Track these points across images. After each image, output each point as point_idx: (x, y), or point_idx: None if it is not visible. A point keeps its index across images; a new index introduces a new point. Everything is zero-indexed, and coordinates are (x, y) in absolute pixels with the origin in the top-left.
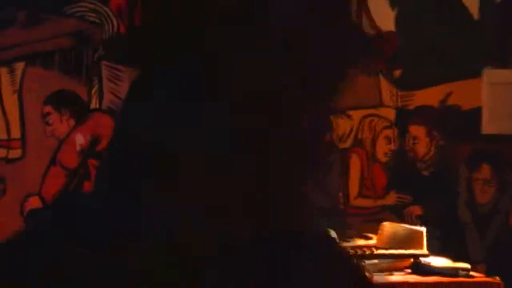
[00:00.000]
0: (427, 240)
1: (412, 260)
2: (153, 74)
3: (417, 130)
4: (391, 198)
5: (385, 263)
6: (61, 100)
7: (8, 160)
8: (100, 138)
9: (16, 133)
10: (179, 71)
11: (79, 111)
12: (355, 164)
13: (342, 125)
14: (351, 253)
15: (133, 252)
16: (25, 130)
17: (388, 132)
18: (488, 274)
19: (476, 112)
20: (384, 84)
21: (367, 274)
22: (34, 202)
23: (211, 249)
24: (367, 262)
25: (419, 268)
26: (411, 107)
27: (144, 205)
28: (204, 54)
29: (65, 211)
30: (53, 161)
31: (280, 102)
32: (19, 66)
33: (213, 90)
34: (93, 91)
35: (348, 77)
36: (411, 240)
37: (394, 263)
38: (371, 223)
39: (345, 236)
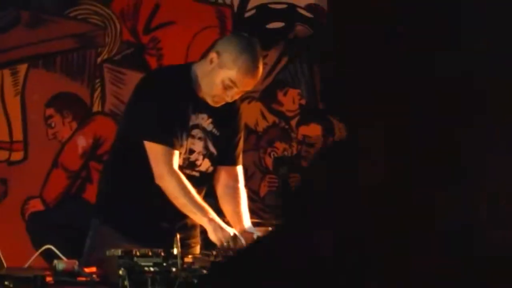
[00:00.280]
0: None
1: None
2: None
3: None
4: None
5: None
6: (63, 103)
7: (10, 162)
8: (102, 141)
9: (18, 135)
10: None
11: (82, 114)
12: None
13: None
14: None
15: None
16: (27, 133)
17: None
18: None
19: None
20: None
21: None
22: (35, 205)
23: None
24: None
25: None
26: None
27: None
28: None
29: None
30: (55, 164)
31: None
32: (22, 68)
33: None
34: (95, 94)
35: None
36: None
37: None
38: None
39: None
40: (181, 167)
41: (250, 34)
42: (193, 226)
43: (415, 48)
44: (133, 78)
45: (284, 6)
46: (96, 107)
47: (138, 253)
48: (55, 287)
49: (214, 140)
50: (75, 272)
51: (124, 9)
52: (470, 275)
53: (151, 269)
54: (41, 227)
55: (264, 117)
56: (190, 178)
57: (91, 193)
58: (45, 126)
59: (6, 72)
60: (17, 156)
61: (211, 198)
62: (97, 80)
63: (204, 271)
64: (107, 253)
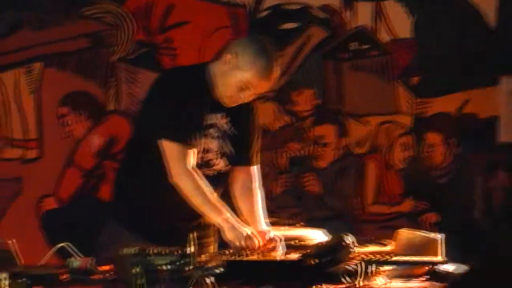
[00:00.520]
0: (445, 247)
1: (429, 266)
2: None
3: (434, 138)
4: (407, 205)
5: (401, 269)
6: (78, 101)
7: (24, 161)
8: (117, 140)
9: (33, 133)
10: None
11: (96, 113)
12: (371, 170)
13: (359, 131)
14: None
15: None
16: (42, 131)
17: (405, 139)
18: None
19: (493, 121)
20: (401, 91)
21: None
22: (49, 203)
23: None
24: (385, 268)
25: (436, 275)
26: (428, 115)
27: None
28: None
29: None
30: (69, 162)
31: None
32: (37, 66)
33: None
34: (110, 93)
35: None
36: (427, 247)
37: (410, 270)
38: (387, 230)
39: (361, 241)
40: (197, 166)
41: (264, 34)
42: (208, 225)
43: None
44: (147, 77)
45: (298, 6)
46: (110, 106)
47: (152, 252)
48: (70, 284)
49: (230, 139)
50: (89, 270)
51: (138, 8)
52: None
53: (166, 267)
54: (55, 225)
55: (278, 117)
56: (206, 177)
57: (105, 192)
58: (59, 125)
59: (21, 71)
60: (31, 154)
61: (227, 198)
62: (112, 79)
63: (218, 270)
64: (122, 251)
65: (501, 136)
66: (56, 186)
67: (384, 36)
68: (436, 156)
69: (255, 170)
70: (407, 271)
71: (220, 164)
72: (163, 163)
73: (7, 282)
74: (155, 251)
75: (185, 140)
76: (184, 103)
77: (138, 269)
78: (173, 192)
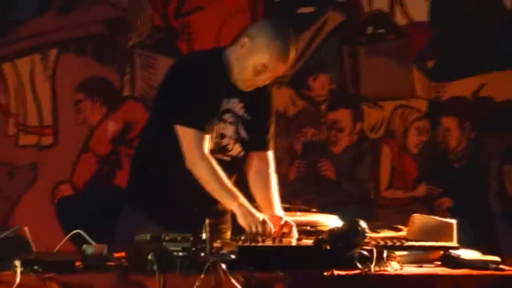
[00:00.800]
0: (458, 233)
1: (442, 252)
2: None
3: (449, 122)
4: (422, 190)
5: (415, 255)
6: (93, 87)
7: (40, 147)
8: (132, 126)
9: (48, 120)
10: None
11: (111, 99)
12: (386, 155)
13: (374, 116)
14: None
15: None
16: (57, 117)
17: (420, 123)
18: None
19: (509, 104)
20: (417, 75)
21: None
22: (65, 190)
23: None
24: (397, 253)
25: (449, 260)
26: (443, 99)
27: None
28: None
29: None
30: (84, 149)
31: None
32: (52, 52)
33: None
34: (125, 79)
35: None
36: (442, 232)
37: (424, 255)
38: (401, 215)
39: (375, 227)
40: (212, 152)
41: (280, 18)
42: (224, 211)
43: None
44: (163, 63)
45: None
46: (126, 92)
47: (167, 238)
48: (84, 271)
49: (245, 124)
50: (104, 256)
51: None
52: None
53: (180, 253)
54: (70, 212)
55: (293, 102)
56: (221, 162)
57: (120, 178)
58: (75, 111)
59: (37, 57)
60: (47, 140)
61: (242, 184)
62: (128, 65)
63: (233, 256)
64: (137, 237)
65: None
66: (71, 172)
67: (400, 20)
68: (452, 140)
69: (270, 155)
70: (420, 256)
71: (235, 150)
72: (179, 148)
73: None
74: (169, 237)
75: (202, 125)
76: (200, 88)
77: (152, 256)
78: (188, 178)
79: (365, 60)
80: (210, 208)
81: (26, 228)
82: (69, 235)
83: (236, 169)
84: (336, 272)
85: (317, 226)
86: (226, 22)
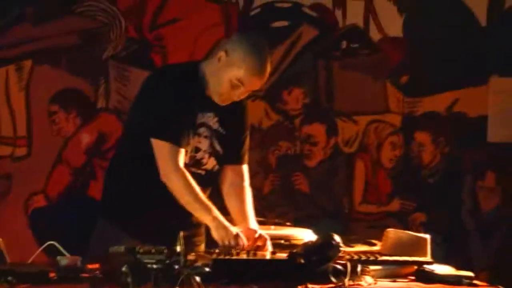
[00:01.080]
0: (431, 248)
1: (416, 267)
2: None
3: (423, 137)
4: (395, 205)
5: (389, 269)
6: (67, 99)
7: (14, 158)
8: (106, 138)
9: (22, 131)
10: None
11: (86, 111)
12: (360, 170)
13: (348, 130)
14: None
15: None
16: (32, 128)
17: (394, 138)
18: (490, 283)
19: (482, 120)
20: (391, 90)
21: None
22: (39, 201)
23: None
24: (372, 267)
25: (423, 275)
26: (417, 114)
27: None
28: None
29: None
30: (58, 160)
31: None
32: (27, 64)
33: None
34: (100, 91)
35: None
36: (415, 247)
37: (398, 269)
38: (375, 229)
39: (349, 241)
40: (187, 165)
41: (256, 32)
42: (198, 224)
43: None
44: (138, 75)
45: (290, 5)
46: (100, 104)
47: (141, 250)
48: (58, 283)
49: (220, 138)
50: (78, 268)
51: (130, 6)
52: None
53: (154, 266)
54: (44, 223)
55: (268, 115)
56: (195, 176)
57: (94, 190)
58: (49, 122)
59: (11, 68)
60: (21, 151)
61: (216, 198)
62: (102, 77)
63: (207, 269)
64: (111, 249)
65: (490, 135)
66: (45, 183)
67: (374, 35)
68: (425, 155)
69: (245, 168)
70: (394, 271)
71: (210, 163)
72: (153, 161)
73: None
74: (143, 249)
75: (177, 139)
76: (176, 101)
77: (126, 268)
78: (163, 190)
79: (339, 74)
80: (185, 221)
81: (0, 239)
82: (43, 246)
83: (211, 182)
84: (310, 286)
85: (291, 239)
86: (200, 35)
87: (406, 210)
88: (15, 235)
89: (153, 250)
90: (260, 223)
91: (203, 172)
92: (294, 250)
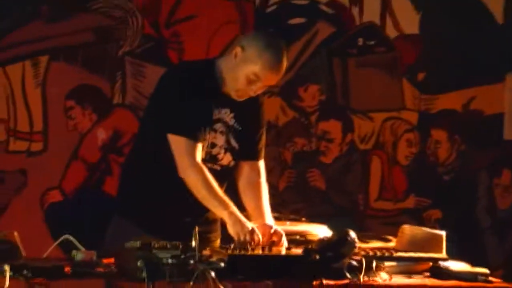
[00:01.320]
0: (446, 244)
1: (431, 263)
2: None
3: (439, 134)
4: (411, 201)
5: (404, 265)
6: (84, 95)
7: (30, 153)
8: (122, 134)
9: (38, 126)
10: None
11: (102, 106)
12: (375, 166)
13: (364, 127)
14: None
15: None
16: (48, 124)
17: (410, 135)
18: (505, 280)
19: (499, 118)
20: (407, 87)
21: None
22: (54, 196)
23: None
24: (387, 264)
25: (437, 272)
26: (433, 111)
27: None
28: None
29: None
30: (74, 155)
31: None
32: (43, 59)
33: None
34: (116, 87)
35: None
36: (431, 243)
37: (413, 266)
38: (390, 226)
39: (364, 237)
40: (202, 161)
41: (272, 29)
42: (214, 220)
43: None
44: (154, 71)
45: (306, 2)
46: (116, 100)
47: (156, 245)
48: (73, 277)
49: (236, 134)
50: (93, 263)
51: (146, 2)
52: None
53: (169, 261)
54: (59, 218)
55: (284, 112)
56: (211, 172)
57: (110, 185)
58: (65, 118)
59: (27, 64)
60: (37, 147)
61: (231, 194)
62: (118, 73)
63: (222, 264)
64: (126, 244)
65: (507, 133)
66: (60, 179)
67: (391, 32)
68: (441, 152)
69: (261, 164)
70: (409, 267)
71: (226, 159)
72: (170, 157)
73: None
74: (159, 245)
75: (194, 134)
76: (193, 97)
77: (141, 263)
78: (178, 186)
79: (355, 71)
80: (200, 216)
81: (15, 233)
82: (59, 240)
83: (226, 178)
84: (325, 282)
85: (307, 235)
86: (216, 32)
87: (421, 207)
88: (31, 230)
89: (168, 246)
90: (275, 219)
91: (218, 168)
92: (309, 246)
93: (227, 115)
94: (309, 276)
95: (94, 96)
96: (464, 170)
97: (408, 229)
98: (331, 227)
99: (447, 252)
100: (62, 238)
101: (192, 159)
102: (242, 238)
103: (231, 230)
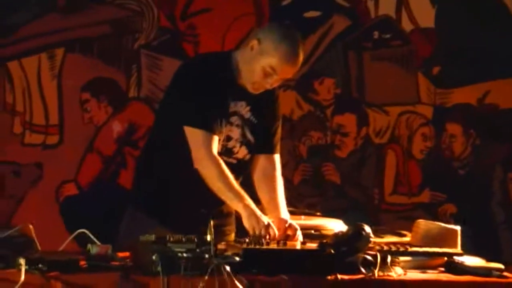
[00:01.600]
0: (461, 239)
1: (445, 258)
2: None
3: (454, 128)
4: (426, 196)
5: (418, 260)
6: (99, 88)
7: (45, 146)
8: (138, 127)
9: (54, 119)
10: None
11: (117, 99)
12: (391, 161)
13: (379, 121)
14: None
15: None
16: (63, 117)
17: (425, 129)
18: None
19: None
20: (422, 81)
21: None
22: (70, 189)
23: None
24: (401, 258)
25: (452, 267)
26: (448, 105)
27: None
28: None
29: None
30: (90, 148)
31: None
32: (59, 52)
33: None
34: (131, 80)
35: None
36: (446, 238)
37: (428, 261)
38: (405, 220)
39: (379, 232)
40: (218, 154)
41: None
42: (229, 213)
43: None
44: (170, 64)
45: None
46: (132, 93)
47: (171, 239)
48: (88, 271)
49: (251, 127)
50: (108, 256)
51: None
52: None
53: (184, 255)
54: (75, 211)
55: (299, 105)
56: (227, 165)
57: (125, 178)
58: (81, 111)
59: (43, 56)
60: (52, 140)
61: (247, 187)
62: (134, 66)
63: (237, 258)
64: (141, 238)
65: None
66: (76, 172)
67: (406, 26)
68: (456, 147)
69: (277, 158)
70: (424, 262)
71: (241, 152)
72: (185, 150)
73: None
74: (174, 238)
75: (210, 126)
76: (209, 90)
77: (156, 256)
78: (194, 179)
79: (370, 65)
80: (215, 210)
81: (31, 227)
82: (74, 234)
83: (242, 172)
84: (339, 277)
85: (322, 230)
86: (232, 25)
87: (436, 201)
88: (46, 223)
89: (183, 239)
90: (290, 213)
91: (234, 161)
92: (324, 241)
93: (243, 108)
94: (324, 270)
95: (110, 89)
96: (479, 164)
97: (423, 224)
98: (346, 221)
99: (463, 247)
100: (77, 232)
101: (208, 151)
102: (257, 232)
103: (246, 223)
